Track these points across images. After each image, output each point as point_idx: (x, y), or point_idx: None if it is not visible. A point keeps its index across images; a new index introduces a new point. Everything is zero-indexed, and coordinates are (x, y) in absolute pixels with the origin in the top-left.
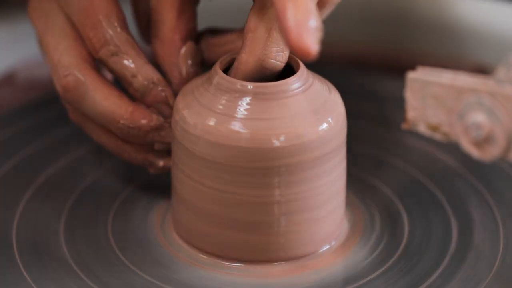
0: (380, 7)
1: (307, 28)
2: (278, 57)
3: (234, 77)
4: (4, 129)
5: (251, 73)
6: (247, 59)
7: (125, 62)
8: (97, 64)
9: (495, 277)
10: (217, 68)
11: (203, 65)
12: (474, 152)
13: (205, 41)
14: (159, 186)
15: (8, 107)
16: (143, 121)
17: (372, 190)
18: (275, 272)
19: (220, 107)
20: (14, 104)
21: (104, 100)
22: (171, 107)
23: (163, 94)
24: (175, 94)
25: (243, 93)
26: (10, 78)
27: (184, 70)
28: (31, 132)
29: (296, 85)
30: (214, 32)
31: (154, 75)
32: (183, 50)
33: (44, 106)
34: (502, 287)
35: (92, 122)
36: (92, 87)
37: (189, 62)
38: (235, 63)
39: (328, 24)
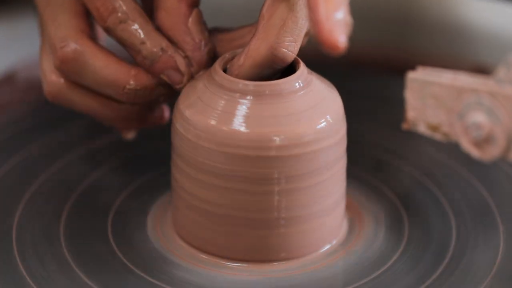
0: (380, 7)
1: (338, 22)
2: (290, 47)
3: (241, 66)
4: (4, 129)
5: (260, 62)
6: (258, 46)
7: (134, 29)
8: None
9: (495, 277)
10: (216, 67)
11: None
12: (474, 152)
13: (214, 37)
14: (159, 186)
15: (8, 107)
16: (149, 81)
17: (372, 190)
18: (276, 272)
19: (221, 107)
20: (14, 104)
21: (105, 68)
22: (181, 73)
23: (173, 59)
24: (190, 62)
25: (243, 92)
26: (10, 78)
27: (196, 36)
28: (31, 132)
29: (297, 84)
30: (221, 30)
31: (162, 41)
32: (191, 18)
33: (44, 106)
34: (502, 287)
35: (84, 95)
36: (91, 55)
37: (199, 28)
38: (245, 50)
39: None
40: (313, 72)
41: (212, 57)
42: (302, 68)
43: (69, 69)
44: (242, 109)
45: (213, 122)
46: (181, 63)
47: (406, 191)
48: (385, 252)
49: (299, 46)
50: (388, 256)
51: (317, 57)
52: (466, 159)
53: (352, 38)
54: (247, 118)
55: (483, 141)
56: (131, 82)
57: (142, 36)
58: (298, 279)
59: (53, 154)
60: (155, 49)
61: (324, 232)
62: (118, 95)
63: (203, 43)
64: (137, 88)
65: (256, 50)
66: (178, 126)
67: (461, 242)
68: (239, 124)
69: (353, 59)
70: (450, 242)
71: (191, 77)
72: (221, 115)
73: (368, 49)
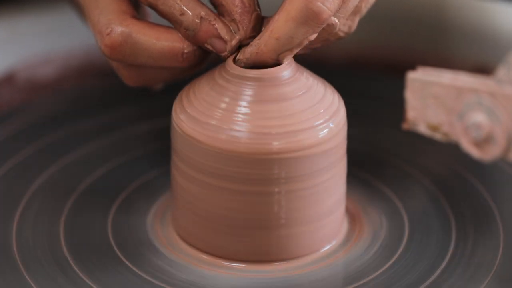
0: (379, 7)
1: None
2: (326, 3)
3: (276, 21)
4: (5, 129)
5: (294, 16)
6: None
7: (172, 1)
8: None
9: (495, 277)
10: (228, 60)
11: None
12: (474, 152)
13: None
14: (159, 186)
15: (8, 107)
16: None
17: (372, 190)
18: (275, 272)
19: (221, 106)
20: (14, 104)
21: (158, 40)
22: (224, 40)
23: (214, 27)
24: (237, 27)
25: (244, 87)
26: (10, 78)
27: None
28: (31, 132)
29: (297, 84)
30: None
31: (201, 9)
32: None
33: (45, 106)
34: (502, 287)
35: (148, 70)
36: (140, 34)
37: None
38: (281, 5)
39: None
40: (313, 74)
41: (260, 24)
42: (290, 61)
43: (122, 53)
44: (243, 108)
45: (213, 122)
46: (222, 30)
47: (406, 191)
48: (385, 252)
49: (336, 4)
50: (388, 256)
51: (318, 57)
52: (466, 159)
53: (352, 38)
54: (248, 119)
55: (483, 141)
56: (187, 45)
57: (181, 6)
58: (298, 280)
59: (53, 154)
60: (195, 19)
61: (324, 232)
62: (178, 62)
63: (251, 7)
64: (195, 49)
65: (290, 3)
66: (178, 125)
67: (461, 242)
68: (239, 124)
69: (353, 59)
70: (450, 242)
71: (239, 43)
72: (221, 114)
73: (368, 49)
